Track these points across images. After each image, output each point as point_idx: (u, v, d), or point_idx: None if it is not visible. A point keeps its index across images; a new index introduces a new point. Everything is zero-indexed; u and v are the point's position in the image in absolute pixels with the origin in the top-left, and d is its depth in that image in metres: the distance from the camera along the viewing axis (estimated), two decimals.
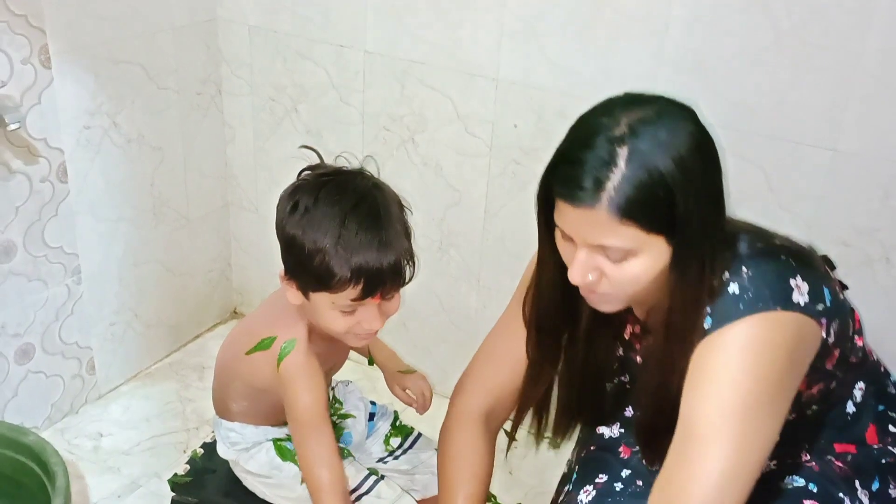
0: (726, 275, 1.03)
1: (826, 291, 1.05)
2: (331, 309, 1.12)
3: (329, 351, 1.25)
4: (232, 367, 1.28)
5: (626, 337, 1.20)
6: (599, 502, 1.17)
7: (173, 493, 1.33)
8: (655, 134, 0.96)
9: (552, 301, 1.15)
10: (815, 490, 1.11)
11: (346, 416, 1.37)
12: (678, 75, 1.52)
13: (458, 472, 1.21)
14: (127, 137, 1.84)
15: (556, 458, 1.38)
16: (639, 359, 1.19)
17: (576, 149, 0.99)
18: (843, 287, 1.19)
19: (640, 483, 1.18)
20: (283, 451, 1.28)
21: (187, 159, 2.02)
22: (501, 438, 1.31)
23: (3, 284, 1.67)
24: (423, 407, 1.44)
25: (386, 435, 1.44)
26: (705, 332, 1.02)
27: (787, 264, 1.04)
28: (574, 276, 1.02)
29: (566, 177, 0.99)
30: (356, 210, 1.10)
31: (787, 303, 1.01)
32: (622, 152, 0.96)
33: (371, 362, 1.47)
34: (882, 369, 1.21)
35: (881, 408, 1.18)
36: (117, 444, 1.87)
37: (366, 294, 1.09)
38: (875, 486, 1.13)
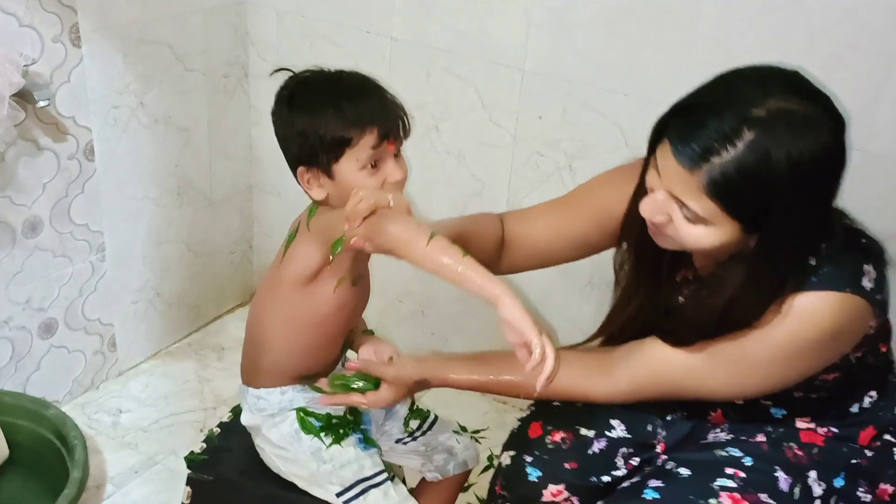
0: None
1: (886, 286, 1.07)
2: (358, 171, 1.15)
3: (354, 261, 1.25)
4: (268, 299, 1.26)
5: (678, 280, 1.21)
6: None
7: (189, 471, 1.35)
8: (790, 132, 0.94)
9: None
10: (748, 464, 1.11)
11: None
12: (707, 70, 1.49)
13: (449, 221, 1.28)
14: (154, 118, 1.85)
15: None
16: (681, 299, 1.20)
17: (706, 108, 0.97)
18: None
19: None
20: (307, 424, 1.29)
21: (212, 141, 2.03)
22: None
23: (29, 259, 1.70)
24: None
25: (405, 417, 1.44)
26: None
27: (863, 251, 1.06)
28: (643, 209, 1.05)
29: (683, 130, 0.98)
30: (349, 76, 1.20)
31: (856, 286, 1.02)
32: (748, 136, 0.94)
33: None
34: None
35: (889, 417, 1.17)
36: (136, 421, 1.89)
37: (382, 136, 1.15)
38: (839, 482, 1.13)
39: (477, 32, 1.72)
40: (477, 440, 1.58)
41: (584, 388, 1.17)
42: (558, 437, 1.21)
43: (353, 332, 1.39)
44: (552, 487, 1.21)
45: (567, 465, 1.21)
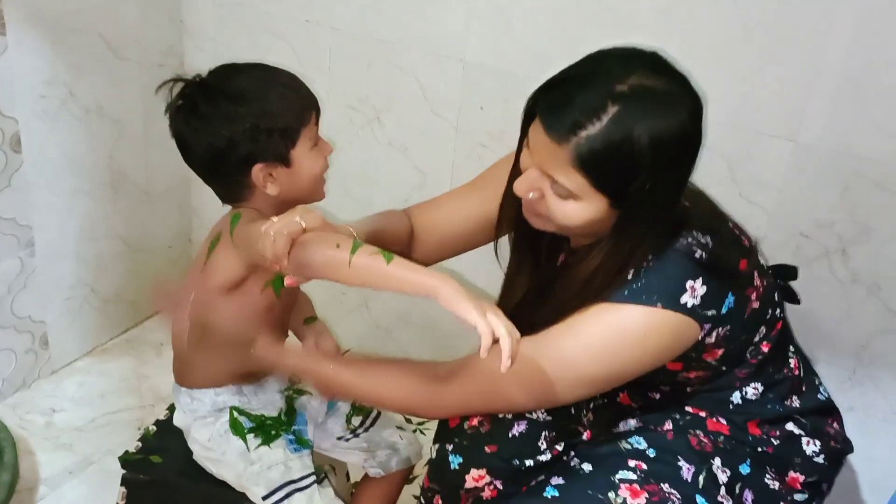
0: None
1: (728, 301, 1.08)
2: (311, 151, 1.16)
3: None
4: (193, 305, 1.23)
5: (559, 263, 1.22)
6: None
7: (124, 471, 1.31)
8: (652, 108, 0.97)
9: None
10: (652, 455, 1.14)
11: (301, 393, 1.36)
12: None
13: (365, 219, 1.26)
14: (85, 108, 1.80)
15: None
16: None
17: (574, 83, 1.00)
18: (787, 279, 1.24)
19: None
20: (237, 424, 1.26)
21: (148, 133, 1.98)
22: None
23: None
24: None
25: (347, 414, 1.43)
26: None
27: (696, 266, 1.06)
28: (517, 188, 1.07)
29: (552, 105, 1.00)
30: (256, 64, 1.18)
31: (670, 301, 1.04)
32: (612, 110, 0.97)
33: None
34: (803, 386, 1.23)
35: (779, 409, 1.20)
36: (70, 421, 1.84)
37: (317, 114, 1.18)
38: (745, 469, 1.16)
39: (418, 23, 1.71)
40: (422, 432, 1.58)
41: (414, 403, 1.18)
42: (476, 421, 1.22)
43: (295, 320, 1.37)
44: (474, 472, 1.22)
45: (487, 449, 1.21)
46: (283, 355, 1.22)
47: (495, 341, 0.93)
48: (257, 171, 1.13)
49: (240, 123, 1.11)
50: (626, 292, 1.05)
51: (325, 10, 1.80)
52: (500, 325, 0.93)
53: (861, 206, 1.44)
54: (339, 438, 1.42)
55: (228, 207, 1.23)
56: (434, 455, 1.26)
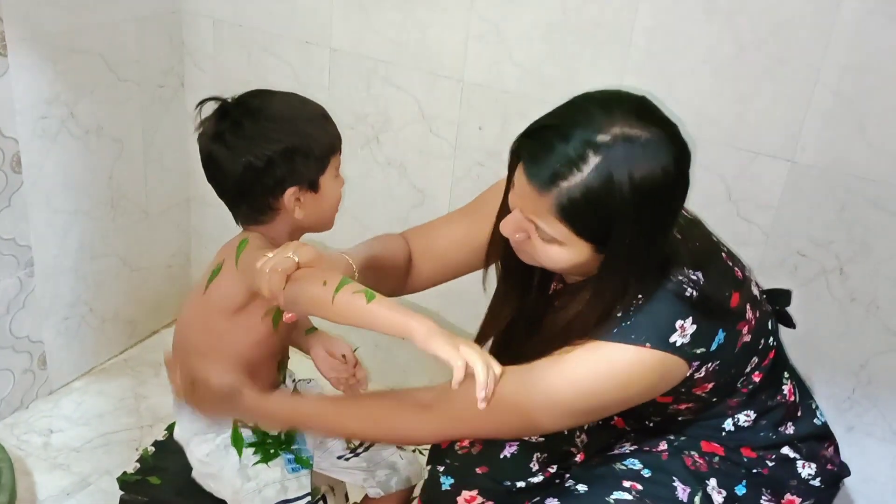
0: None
1: (718, 337, 1.07)
2: (335, 178, 1.18)
3: None
4: (194, 327, 1.24)
5: (550, 291, 1.22)
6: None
7: (122, 492, 1.31)
8: (633, 158, 0.95)
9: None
10: (647, 475, 1.13)
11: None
12: (642, 82, 1.52)
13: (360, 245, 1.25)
14: (85, 128, 1.80)
15: None
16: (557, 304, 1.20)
17: (555, 132, 0.98)
18: (782, 305, 1.23)
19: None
20: (238, 437, 1.26)
21: (148, 152, 1.99)
22: None
23: None
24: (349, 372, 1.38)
25: None
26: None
27: (686, 305, 1.04)
28: (504, 229, 1.07)
29: (533, 155, 0.99)
30: (277, 91, 1.19)
31: (658, 341, 1.03)
32: (593, 160, 0.95)
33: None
34: (798, 412, 1.23)
35: (773, 437, 1.20)
36: (68, 441, 1.83)
37: (341, 145, 1.20)
38: (740, 490, 1.16)
39: (416, 43, 1.72)
40: (421, 452, 1.57)
41: (396, 429, 1.17)
42: (467, 442, 1.22)
43: (297, 335, 1.38)
44: (465, 493, 1.21)
45: (479, 471, 1.21)
46: (268, 403, 1.21)
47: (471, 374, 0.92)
48: (290, 193, 1.14)
49: (281, 143, 1.12)
50: (614, 330, 1.04)
51: (323, 30, 1.81)
52: (476, 358, 0.91)
53: (858, 226, 1.45)
54: (339, 458, 1.41)
55: (233, 227, 1.23)
56: (427, 476, 1.26)
